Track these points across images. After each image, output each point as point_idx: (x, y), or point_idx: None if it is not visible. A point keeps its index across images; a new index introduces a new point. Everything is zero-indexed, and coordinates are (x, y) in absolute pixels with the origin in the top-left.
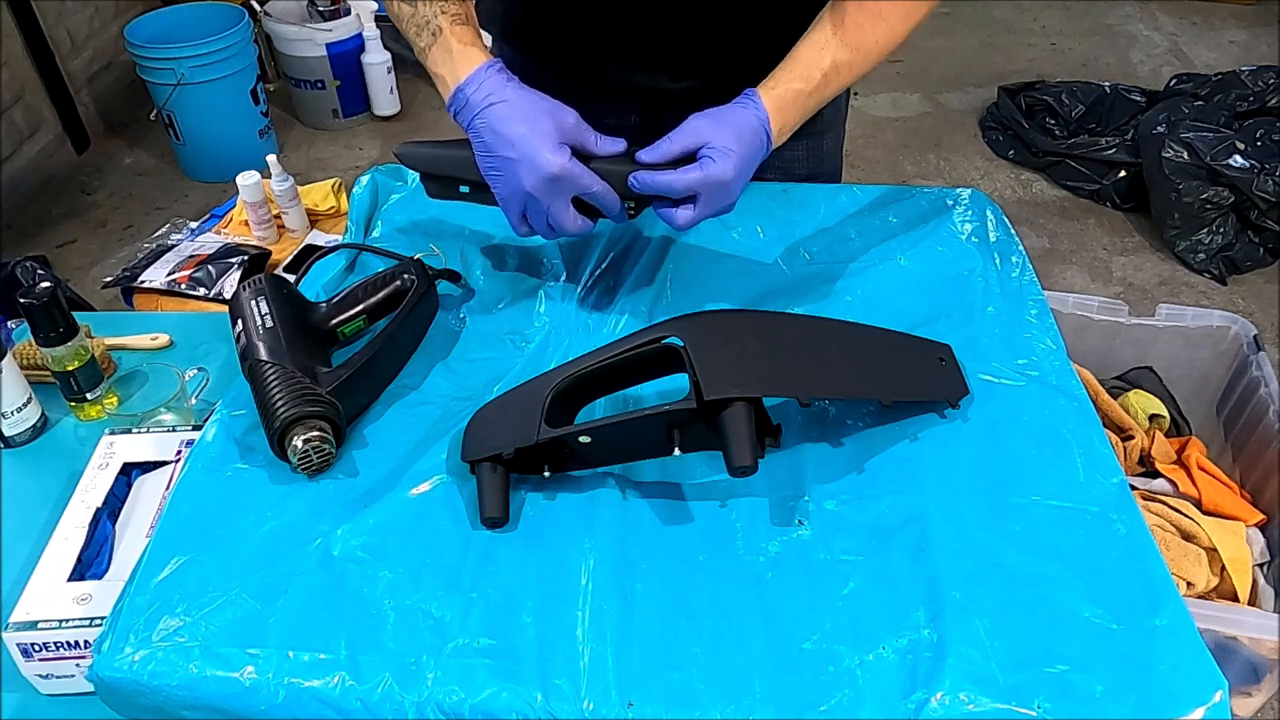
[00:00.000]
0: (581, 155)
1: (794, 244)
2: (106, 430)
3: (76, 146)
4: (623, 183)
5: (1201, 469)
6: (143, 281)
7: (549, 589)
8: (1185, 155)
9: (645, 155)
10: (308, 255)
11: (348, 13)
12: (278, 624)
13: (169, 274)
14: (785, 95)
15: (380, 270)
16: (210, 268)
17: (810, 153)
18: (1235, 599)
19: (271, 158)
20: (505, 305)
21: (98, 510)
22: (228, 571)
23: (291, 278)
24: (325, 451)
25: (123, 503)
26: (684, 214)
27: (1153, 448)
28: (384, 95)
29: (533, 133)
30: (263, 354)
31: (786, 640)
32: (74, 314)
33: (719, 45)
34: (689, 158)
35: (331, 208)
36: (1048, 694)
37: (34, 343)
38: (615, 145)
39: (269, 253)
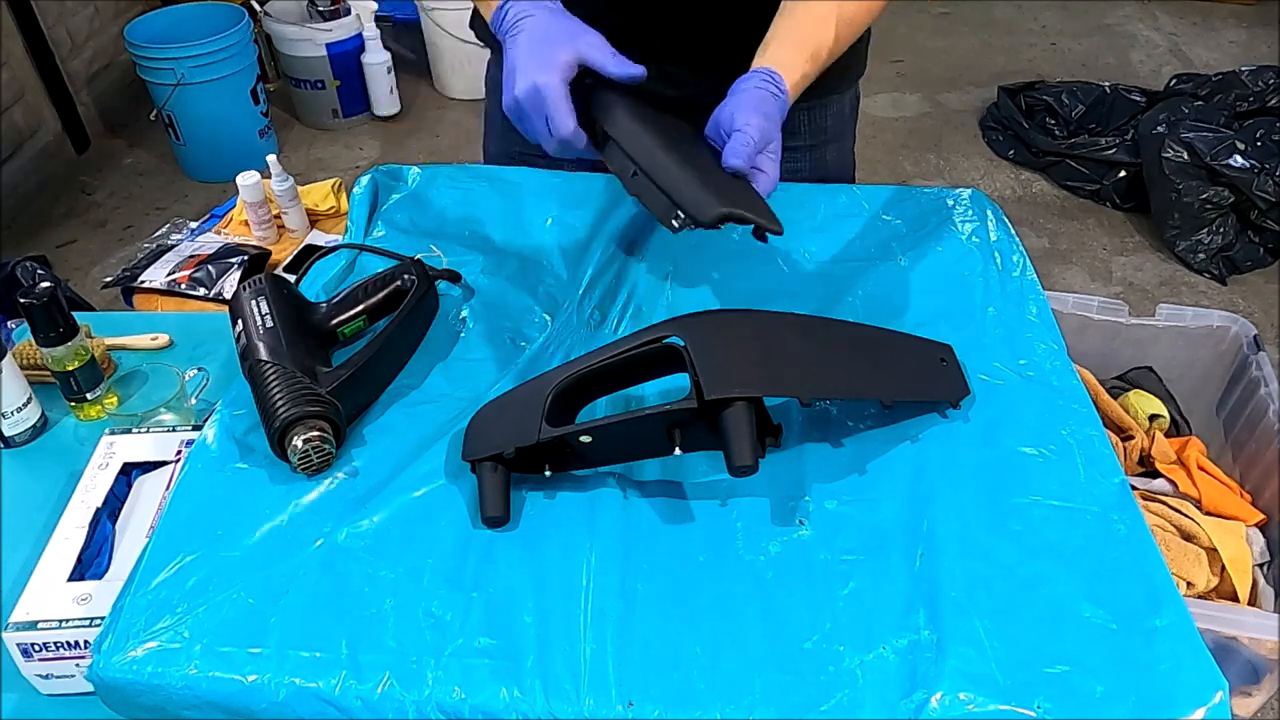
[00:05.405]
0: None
1: (794, 244)
2: (106, 430)
3: (76, 146)
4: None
5: (1201, 469)
6: (143, 281)
7: (549, 588)
8: (1185, 155)
9: (732, 160)
10: (308, 255)
11: (348, 13)
12: (278, 623)
13: (169, 274)
14: (800, 84)
15: (380, 270)
16: (210, 268)
17: (814, 165)
18: (1235, 599)
19: (271, 158)
20: (505, 305)
21: (98, 510)
22: (228, 571)
23: (291, 278)
24: (325, 451)
25: (123, 503)
26: None
27: (1153, 448)
28: (384, 95)
29: (534, 49)
30: (263, 354)
31: (787, 640)
32: (74, 314)
33: (724, 54)
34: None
35: (331, 208)
36: (1048, 694)
37: (34, 343)
38: (632, 69)
39: (269, 253)
